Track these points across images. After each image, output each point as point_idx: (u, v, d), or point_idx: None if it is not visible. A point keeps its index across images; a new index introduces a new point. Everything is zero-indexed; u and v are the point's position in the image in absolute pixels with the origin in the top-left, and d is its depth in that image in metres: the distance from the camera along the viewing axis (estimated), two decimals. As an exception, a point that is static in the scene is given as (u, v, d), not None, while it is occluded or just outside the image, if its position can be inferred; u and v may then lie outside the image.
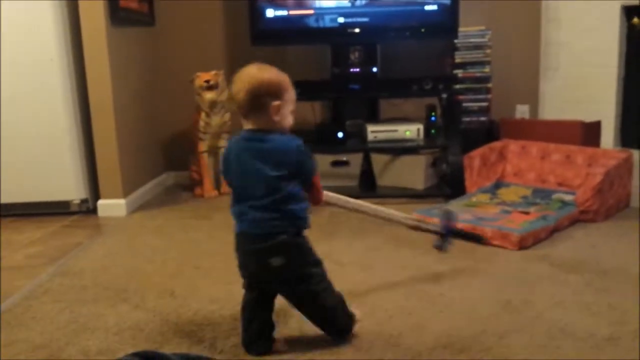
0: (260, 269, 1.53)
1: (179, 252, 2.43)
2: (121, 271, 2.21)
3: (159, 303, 1.91)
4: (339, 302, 1.59)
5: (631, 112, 3.22)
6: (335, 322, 1.59)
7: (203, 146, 3.36)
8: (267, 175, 1.46)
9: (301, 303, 1.57)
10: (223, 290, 1.99)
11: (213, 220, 2.89)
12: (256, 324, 1.56)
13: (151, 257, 2.37)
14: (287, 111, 1.53)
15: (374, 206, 1.92)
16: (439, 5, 3.23)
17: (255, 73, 1.51)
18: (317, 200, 1.61)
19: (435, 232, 2.00)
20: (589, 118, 3.15)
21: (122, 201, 3.03)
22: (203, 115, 3.32)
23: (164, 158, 3.74)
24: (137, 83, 3.38)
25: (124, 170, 3.06)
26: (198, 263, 2.28)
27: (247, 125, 1.53)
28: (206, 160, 3.37)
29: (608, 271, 2.10)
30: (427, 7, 3.24)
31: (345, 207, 1.85)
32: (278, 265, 1.49)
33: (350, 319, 1.62)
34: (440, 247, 1.98)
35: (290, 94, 1.54)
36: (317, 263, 1.57)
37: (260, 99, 1.48)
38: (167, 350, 1.57)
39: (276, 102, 1.50)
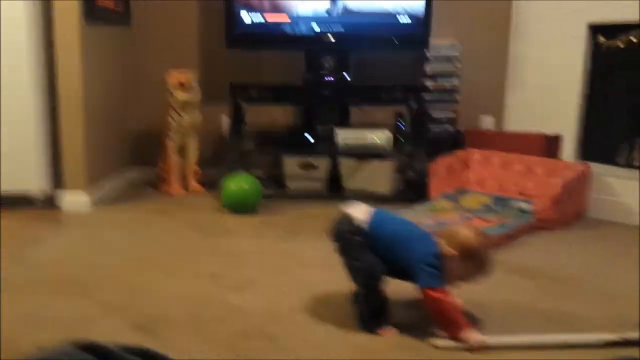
0: None
1: (140, 248, 2.41)
2: (80, 265, 2.19)
3: (116, 298, 1.89)
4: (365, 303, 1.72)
5: (591, 127, 3.30)
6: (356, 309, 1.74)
7: (172, 144, 3.35)
8: None
9: None
10: (182, 287, 1.99)
11: (177, 218, 2.87)
12: None
13: (111, 251, 2.35)
14: (457, 272, 1.65)
15: (557, 336, 1.68)
16: (412, 17, 3.28)
17: (471, 232, 1.70)
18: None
19: None
20: (551, 131, 3.23)
21: (85, 194, 2.99)
22: (174, 113, 3.30)
23: (131, 154, 3.71)
24: (110, 79, 3.35)
25: (90, 164, 3.02)
26: (159, 260, 2.27)
27: None
28: (174, 158, 3.36)
29: (563, 279, 2.16)
30: (401, 19, 3.30)
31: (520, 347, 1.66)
32: None
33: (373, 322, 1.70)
34: None
35: (472, 268, 1.66)
36: None
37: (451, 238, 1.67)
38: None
39: (452, 252, 1.64)
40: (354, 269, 1.71)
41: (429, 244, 1.68)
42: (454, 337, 1.61)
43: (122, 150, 3.62)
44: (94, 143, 3.08)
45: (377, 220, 1.73)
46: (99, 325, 1.70)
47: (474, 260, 1.65)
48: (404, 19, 3.29)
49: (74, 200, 2.97)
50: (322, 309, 1.83)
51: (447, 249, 1.65)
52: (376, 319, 1.69)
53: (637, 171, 3.04)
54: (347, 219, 1.74)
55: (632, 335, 1.65)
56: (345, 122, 3.57)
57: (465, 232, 1.68)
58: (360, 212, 1.74)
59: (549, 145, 3.15)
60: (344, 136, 3.29)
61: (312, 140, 3.35)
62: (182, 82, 3.23)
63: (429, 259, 1.64)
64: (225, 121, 3.61)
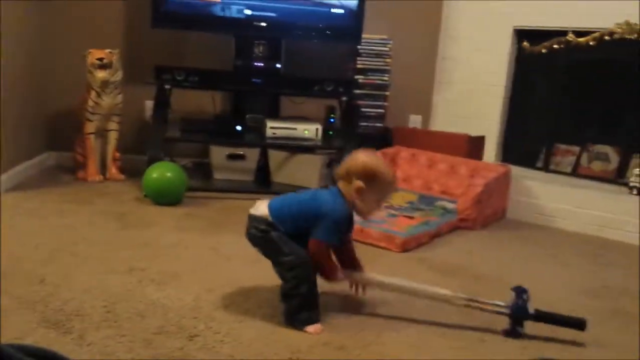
0: None
1: (54, 237, 2.27)
2: (-15, 254, 2.03)
3: (26, 290, 1.77)
4: (298, 296, 1.67)
5: (513, 130, 3.45)
6: (286, 307, 1.69)
7: (90, 127, 3.17)
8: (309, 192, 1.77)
9: None
10: (98, 280, 1.89)
11: (94, 206, 2.73)
12: None
13: (22, 241, 2.20)
14: (371, 199, 1.69)
15: (415, 285, 1.80)
16: (346, 9, 3.28)
17: (360, 154, 1.72)
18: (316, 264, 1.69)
19: (501, 314, 1.71)
20: (475, 132, 3.33)
21: (-4, 180, 2.79)
22: (93, 94, 3.13)
23: (46, 137, 3.49)
24: (26, 54, 3.13)
25: (2, 148, 2.80)
26: (74, 250, 2.14)
27: None
28: (92, 142, 3.18)
29: (481, 276, 2.23)
30: (334, 10, 3.29)
31: (381, 287, 1.84)
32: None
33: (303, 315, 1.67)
34: (510, 333, 1.70)
35: (382, 186, 1.69)
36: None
37: (349, 173, 1.68)
38: (30, 341, 1.47)
39: (358, 185, 1.66)
40: (283, 265, 1.68)
41: (330, 198, 1.69)
42: (327, 278, 1.72)
43: (38, 132, 3.40)
44: (6, 125, 2.86)
45: (276, 206, 1.71)
46: (7, 321, 1.57)
47: (379, 179, 1.68)
48: (337, 10, 3.28)
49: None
50: (246, 305, 1.79)
51: (351, 187, 1.67)
52: (304, 314, 1.66)
53: (554, 175, 3.20)
54: (254, 219, 1.71)
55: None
56: (275, 113, 3.53)
57: (358, 159, 1.70)
58: (263, 207, 1.72)
59: (473, 146, 3.25)
60: (273, 127, 3.25)
61: (240, 130, 3.28)
62: (101, 59, 3.06)
63: (330, 215, 1.65)
64: (149, 105, 3.46)
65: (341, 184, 1.71)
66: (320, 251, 1.67)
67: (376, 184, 1.67)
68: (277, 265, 1.70)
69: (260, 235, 1.70)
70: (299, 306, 1.66)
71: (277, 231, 1.68)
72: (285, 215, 1.70)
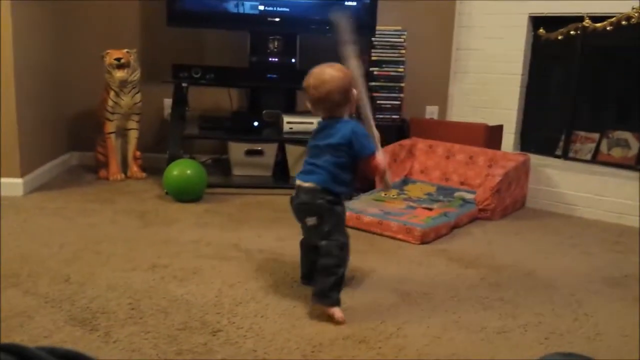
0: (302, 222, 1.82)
1: (78, 236, 2.31)
2: (13, 254, 2.08)
3: (52, 289, 1.81)
4: (336, 275, 1.73)
5: (531, 118, 3.41)
6: (322, 283, 1.73)
7: (110, 127, 3.22)
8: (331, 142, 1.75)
9: (317, 253, 1.77)
10: (122, 278, 1.92)
11: (116, 205, 2.78)
12: (306, 263, 1.89)
13: (47, 240, 2.24)
14: (358, 95, 1.80)
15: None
16: (359, 2, 3.28)
17: (333, 72, 1.75)
18: (372, 173, 1.84)
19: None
20: (492, 121, 3.31)
21: (19, 180, 2.84)
22: (112, 94, 3.18)
23: (68, 137, 3.55)
24: (44, 57, 3.18)
25: (23, 148, 2.86)
26: (97, 248, 2.18)
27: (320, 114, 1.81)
28: (113, 141, 3.23)
29: (501, 267, 2.22)
30: (347, 3, 3.28)
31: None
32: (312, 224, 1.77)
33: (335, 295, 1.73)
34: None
35: (355, 83, 1.77)
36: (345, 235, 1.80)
37: (346, 93, 1.75)
38: (57, 339, 1.51)
39: (353, 94, 1.77)
40: (337, 241, 1.74)
41: (343, 127, 1.74)
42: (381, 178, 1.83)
43: (60, 133, 3.46)
44: (28, 125, 2.92)
45: (312, 178, 1.75)
46: (35, 320, 1.61)
47: (353, 77, 1.76)
48: (351, 3, 3.28)
49: (8, 187, 2.81)
50: (267, 300, 1.81)
51: (352, 103, 1.76)
52: (336, 294, 1.72)
53: (573, 162, 3.17)
54: (316, 191, 1.74)
55: None
56: (291, 108, 3.54)
57: (334, 77, 1.74)
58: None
59: (491, 136, 3.22)
60: (290, 122, 3.26)
61: (258, 126, 3.30)
62: (119, 59, 3.10)
63: (356, 132, 1.72)
64: (167, 104, 3.50)
65: (342, 111, 1.77)
66: (377, 162, 1.75)
67: (354, 84, 1.76)
68: (330, 239, 1.74)
69: (328, 207, 1.74)
70: (334, 284, 1.72)
71: (342, 205, 1.77)
72: (327, 179, 1.74)
